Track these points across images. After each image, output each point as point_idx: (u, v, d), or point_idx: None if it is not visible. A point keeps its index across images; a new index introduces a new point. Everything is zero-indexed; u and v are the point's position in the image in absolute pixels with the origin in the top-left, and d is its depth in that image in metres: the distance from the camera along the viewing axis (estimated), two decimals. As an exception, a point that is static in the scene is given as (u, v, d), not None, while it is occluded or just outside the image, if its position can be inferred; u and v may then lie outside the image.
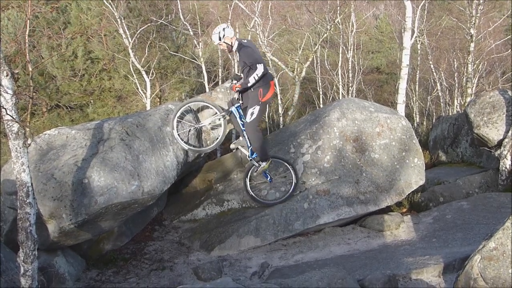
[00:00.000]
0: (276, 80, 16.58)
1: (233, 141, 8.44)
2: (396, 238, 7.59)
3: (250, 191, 7.89)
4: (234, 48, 7.48)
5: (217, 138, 8.02)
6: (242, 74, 7.68)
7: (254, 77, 7.20)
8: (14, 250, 5.76)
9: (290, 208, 7.67)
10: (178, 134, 7.61)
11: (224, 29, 7.38)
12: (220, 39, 7.40)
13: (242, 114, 7.70)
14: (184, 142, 7.68)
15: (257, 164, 7.72)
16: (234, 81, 7.89)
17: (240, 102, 7.67)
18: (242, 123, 7.69)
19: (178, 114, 7.69)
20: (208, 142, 8.38)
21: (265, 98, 7.50)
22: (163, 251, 7.65)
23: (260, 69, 7.19)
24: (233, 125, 8.27)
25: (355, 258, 6.88)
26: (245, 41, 7.56)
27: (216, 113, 7.94)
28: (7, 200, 6.75)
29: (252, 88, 7.42)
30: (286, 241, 7.66)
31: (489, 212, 7.69)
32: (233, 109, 7.72)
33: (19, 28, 13.95)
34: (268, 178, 7.91)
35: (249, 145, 7.74)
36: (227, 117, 7.91)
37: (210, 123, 8.12)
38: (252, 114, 7.46)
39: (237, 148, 8.25)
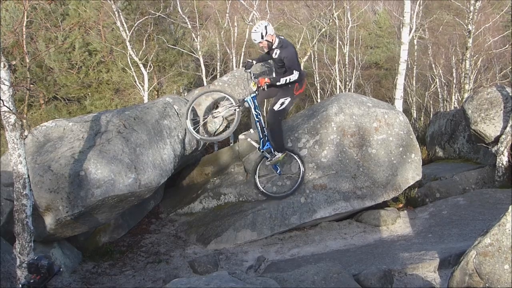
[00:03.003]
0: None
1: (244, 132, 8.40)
2: (392, 233, 7.61)
3: (260, 186, 7.87)
4: (275, 46, 7.31)
5: (229, 127, 7.94)
6: (275, 68, 7.71)
7: (286, 80, 7.17)
8: (10, 241, 5.76)
9: (286, 202, 7.68)
10: (192, 124, 7.61)
11: (266, 26, 7.13)
12: (262, 37, 7.14)
13: (257, 104, 7.62)
14: (196, 131, 7.69)
15: (269, 156, 7.66)
16: (250, 72, 7.70)
17: (256, 92, 7.55)
18: (256, 113, 7.59)
19: (193, 103, 7.69)
20: (218, 131, 8.40)
21: (298, 92, 7.52)
22: (159, 244, 7.66)
23: (294, 76, 7.17)
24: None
25: (351, 252, 6.90)
26: (283, 38, 7.42)
27: (232, 103, 7.77)
28: (4, 192, 6.74)
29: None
30: (283, 235, 7.67)
31: (485, 208, 7.71)
32: (248, 99, 7.60)
33: (17, 20, 13.88)
34: (278, 171, 7.88)
35: (261, 136, 7.66)
36: (242, 107, 7.76)
37: (225, 113, 8.06)
38: (282, 104, 7.44)
39: (245, 140, 8.23)
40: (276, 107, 7.45)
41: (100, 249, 7.42)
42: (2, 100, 4.69)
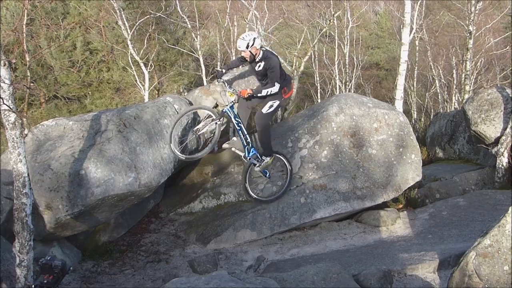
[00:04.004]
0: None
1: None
2: (391, 233, 7.61)
3: (253, 194, 7.81)
4: (258, 59, 7.26)
5: (211, 141, 7.61)
6: (257, 80, 7.73)
7: (268, 92, 7.19)
8: (10, 240, 5.76)
9: (286, 202, 7.68)
10: (177, 146, 7.42)
11: (254, 38, 7.06)
12: (248, 47, 7.06)
13: (236, 113, 7.59)
14: (181, 152, 7.41)
15: (256, 162, 7.63)
16: (224, 81, 7.73)
17: (234, 101, 7.53)
18: (237, 122, 7.57)
19: (175, 127, 7.47)
20: (206, 148, 7.85)
21: (287, 96, 7.58)
22: (159, 243, 7.65)
23: (275, 89, 7.19)
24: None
25: (351, 253, 6.90)
26: (265, 49, 7.35)
27: (212, 117, 7.56)
28: (3, 190, 6.73)
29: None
30: (282, 235, 7.67)
31: (485, 209, 7.71)
32: (226, 109, 7.53)
33: (17, 18, 13.88)
34: (268, 175, 7.87)
35: (244, 144, 7.63)
36: (222, 120, 7.59)
37: (206, 129, 7.69)
38: (271, 106, 7.42)
39: (227, 148, 8.10)
40: (264, 110, 7.45)
41: (100, 248, 7.42)
42: (2, 99, 4.68)
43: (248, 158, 7.64)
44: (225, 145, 8.00)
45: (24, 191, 4.95)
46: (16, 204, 4.97)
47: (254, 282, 4.47)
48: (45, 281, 3.82)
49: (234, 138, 7.95)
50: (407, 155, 8.02)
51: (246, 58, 7.34)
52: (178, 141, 7.55)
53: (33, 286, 4.43)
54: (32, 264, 5.02)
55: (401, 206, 8.71)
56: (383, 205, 8.24)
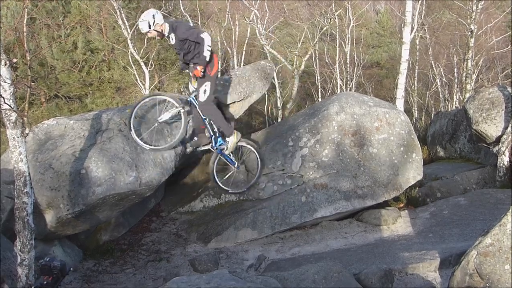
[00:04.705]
0: (275, 73, 16.52)
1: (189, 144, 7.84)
2: (392, 232, 7.61)
3: (220, 183, 7.70)
4: (166, 33, 6.87)
5: (179, 132, 7.31)
6: (185, 57, 7.09)
7: (207, 49, 6.69)
8: (11, 239, 5.76)
9: (287, 201, 7.67)
10: (138, 135, 7.02)
11: (153, 15, 6.68)
12: (149, 26, 6.69)
13: None
14: (144, 142, 7.03)
15: (224, 146, 7.43)
16: (192, 68, 7.12)
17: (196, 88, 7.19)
18: None
19: (134, 114, 7.08)
20: (169, 138, 7.54)
21: (213, 72, 7.08)
22: (160, 242, 7.66)
23: (207, 38, 6.71)
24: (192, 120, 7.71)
25: (352, 252, 6.90)
26: (171, 20, 7.03)
27: (175, 105, 7.28)
28: (4, 190, 6.74)
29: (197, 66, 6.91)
30: (283, 234, 7.67)
31: (486, 208, 7.71)
32: (191, 98, 7.27)
33: (18, 17, 13.88)
34: (235, 165, 7.70)
35: (211, 133, 7.41)
36: (186, 108, 7.32)
37: (170, 118, 7.36)
38: (205, 91, 7.05)
39: (194, 150, 7.81)
40: (201, 99, 7.09)
41: (101, 247, 7.43)
42: (3, 98, 4.68)
43: (215, 148, 7.49)
44: (188, 149, 7.77)
45: (25, 190, 4.95)
46: (17, 203, 4.98)
47: (255, 281, 4.47)
48: (44, 282, 3.83)
49: (195, 138, 7.72)
50: (408, 154, 8.01)
51: (155, 37, 7.01)
52: (140, 129, 7.18)
53: (33, 287, 4.44)
54: (33, 263, 5.02)
55: (402, 205, 8.71)
56: (384, 204, 8.24)
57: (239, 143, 7.69)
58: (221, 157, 7.64)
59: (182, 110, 7.20)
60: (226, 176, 7.86)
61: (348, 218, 8.10)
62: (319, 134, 8.04)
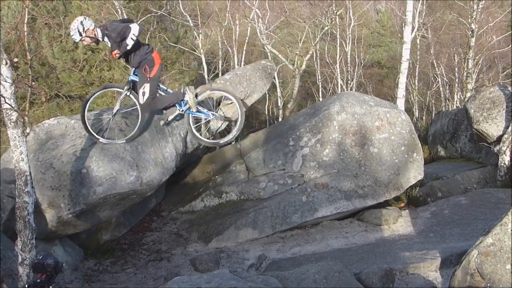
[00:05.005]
0: (276, 73, 16.50)
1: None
2: (393, 232, 7.60)
3: (197, 134, 7.38)
4: (100, 37, 6.58)
5: (138, 122, 6.95)
6: (122, 54, 6.72)
7: (131, 38, 6.45)
8: (12, 239, 5.76)
9: (288, 201, 7.67)
10: (91, 127, 6.75)
11: (82, 22, 6.38)
12: (80, 34, 6.40)
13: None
14: (101, 136, 6.77)
15: (189, 105, 7.12)
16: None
17: (134, 68, 6.85)
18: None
19: (87, 107, 6.82)
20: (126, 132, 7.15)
21: (153, 73, 6.78)
22: (161, 242, 7.66)
23: (135, 28, 6.48)
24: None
25: (353, 251, 6.90)
26: (103, 24, 6.79)
27: (122, 92, 6.94)
28: (5, 189, 6.74)
29: (138, 67, 6.74)
30: (284, 234, 7.67)
31: (486, 207, 7.70)
32: (130, 77, 6.92)
33: (19, 17, 13.88)
34: (207, 114, 7.33)
35: (172, 104, 7.16)
36: (130, 88, 6.91)
37: (119, 105, 7.03)
38: (143, 94, 6.74)
39: (167, 124, 7.59)
40: (140, 101, 6.79)
41: (102, 247, 7.43)
42: (4, 97, 4.69)
43: (183, 110, 7.21)
44: (161, 122, 7.52)
45: (26, 190, 4.96)
46: (18, 203, 4.98)
47: (256, 281, 4.48)
48: (38, 280, 3.82)
49: (164, 112, 7.48)
50: (409, 154, 8.01)
51: (90, 44, 6.80)
52: (96, 125, 6.97)
53: (26, 286, 4.43)
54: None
55: (403, 204, 8.71)
56: (385, 204, 8.24)
57: (209, 92, 7.44)
58: (195, 115, 7.32)
59: (127, 93, 6.89)
60: (207, 129, 7.73)
61: (349, 218, 8.11)
62: (320, 133, 8.04)
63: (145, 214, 8.42)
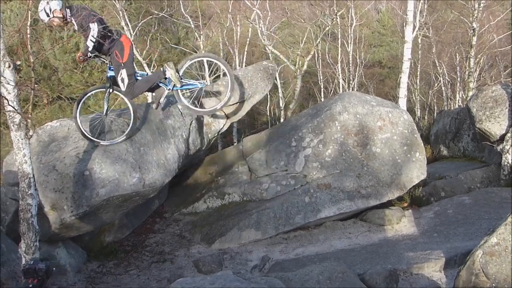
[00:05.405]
0: (277, 74, 16.51)
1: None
2: (397, 232, 7.59)
3: (186, 103, 7.19)
4: (69, 19, 6.37)
5: (131, 116, 6.85)
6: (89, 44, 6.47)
7: (90, 40, 6.27)
8: (15, 241, 5.77)
9: (291, 201, 7.67)
10: (90, 132, 6.75)
11: (48, 2, 6.20)
12: (48, 15, 6.24)
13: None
14: (103, 138, 6.74)
15: (173, 82, 6.95)
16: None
17: (110, 63, 6.77)
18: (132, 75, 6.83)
19: (79, 107, 6.78)
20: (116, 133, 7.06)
21: (125, 58, 6.63)
22: (164, 243, 7.66)
23: (94, 29, 6.27)
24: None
25: (356, 252, 6.89)
26: (74, 6, 6.55)
27: (105, 90, 6.88)
28: (9, 191, 6.76)
29: (109, 54, 6.64)
30: (287, 235, 7.66)
31: (490, 207, 7.69)
32: (108, 74, 6.86)
33: (21, 19, 13.91)
34: (194, 85, 7.14)
35: (156, 85, 7.06)
36: (111, 84, 6.84)
37: (107, 104, 6.92)
38: (122, 80, 6.68)
39: (158, 103, 7.32)
40: (122, 88, 6.74)
41: (105, 249, 7.43)
42: (7, 100, 4.69)
43: (171, 89, 7.09)
44: (154, 106, 7.38)
45: (29, 192, 4.96)
46: (22, 205, 4.99)
47: (259, 282, 4.47)
48: (30, 285, 3.83)
49: (153, 94, 7.41)
50: (411, 153, 8.00)
51: (60, 25, 6.54)
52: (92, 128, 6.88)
53: None
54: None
55: (406, 204, 8.69)
56: (388, 204, 8.23)
57: (189, 62, 7.19)
58: (183, 89, 7.20)
59: (110, 90, 6.82)
60: (193, 97, 7.50)
61: (352, 218, 8.09)
62: (322, 134, 8.03)
63: (148, 216, 8.42)
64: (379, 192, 7.76)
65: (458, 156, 12.04)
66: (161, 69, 7.02)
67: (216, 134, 9.03)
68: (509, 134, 8.87)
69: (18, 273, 5.36)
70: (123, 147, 6.66)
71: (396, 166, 7.90)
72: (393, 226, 7.77)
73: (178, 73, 6.98)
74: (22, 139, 4.86)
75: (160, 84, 7.04)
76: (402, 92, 11.89)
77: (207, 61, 7.82)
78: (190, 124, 8.06)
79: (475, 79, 19.02)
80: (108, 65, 6.85)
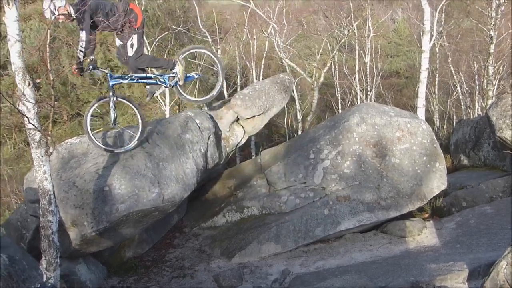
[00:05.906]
0: (294, 86, 16.52)
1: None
2: (418, 244, 7.49)
3: (188, 96, 7.56)
4: (72, 13, 6.40)
5: (139, 119, 6.93)
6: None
7: (80, 50, 6.38)
8: (36, 258, 5.82)
9: (310, 214, 7.63)
10: (94, 135, 6.85)
11: (52, 0, 6.20)
12: (53, 13, 6.24)
13: (123, 75, 7.14)
14: (102, 143, 6.88)
15: (177, 79, 7.12)
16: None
17: (104, 72, 6.96)
18: (131, 78, 7.02)
19: (89, 116, 6.85)
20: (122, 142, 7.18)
21: (138, 24, 6.73)
22: (183, 258, 7.66)
23: (82, 37, 6.36)
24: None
25: (377, 264, 6.81)
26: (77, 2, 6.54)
27: (108, 99, 6.89)
28: (29, 208, 6.83)
29: (117, 28, 6.67)
30: (307, 248, 7.61)
31: (513, 217, 7.56)
32: (110, 83, 6.87)
33: (41, 38, 14.16)
34: (191, 77, 7.40)
35: (156, 82, 7.17)
36: (113, 92, 6.86)
37: (113, 112, 6.94)
38: (132, 45, 6.76)
39: (152, 95, 7.49)
40: (130, 53, 6.81)
41: (125, 264, 7.46)
42: (28, 118, 4.76)
43: (169, 85, 7.21)
44: (147, 99, 7.66)
45: (50, 209, 5.00)
46: (42, 222, 5.03)
47: (280, 296, 4.44)
48: None
49: (148, 87, 7.42)
50: (431, 164, 7.91)
51: (66, 21, 6.53)
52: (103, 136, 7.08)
53: None
54: (59, 281, 5.05)
55: (427, 215, 8.59)
56: (409, 215, 8.13)
57: (185, 54, 7.29)
58: (183, 83, 7.28)
59: (113, 98, 6.86)
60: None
61: (372, 230, 8.01)
62: (340, 145, 8.00)
63: (167, 231, 8.44)
64: (399, 203, 7.68)
65: (478, 165, 11.87)
66: (172, 61, 7.16)
67: (234, 148, 9.05)
68: (530, 142, 8.73)
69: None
70: (142, 163, 6.70)
71: (416, 176, 7.81)
72: (415, 238, 7.67)
73: (183, 69, 7.16)
74: (42, 156, 4.92)
75: (159, 83, 7.19)
76: (420, 102, 11.79)
77: (197, 52, 8.04)
78: (208, 138, 8.08)
79: (494, 87, 18.81)
80: (108, 74, 6.93)
